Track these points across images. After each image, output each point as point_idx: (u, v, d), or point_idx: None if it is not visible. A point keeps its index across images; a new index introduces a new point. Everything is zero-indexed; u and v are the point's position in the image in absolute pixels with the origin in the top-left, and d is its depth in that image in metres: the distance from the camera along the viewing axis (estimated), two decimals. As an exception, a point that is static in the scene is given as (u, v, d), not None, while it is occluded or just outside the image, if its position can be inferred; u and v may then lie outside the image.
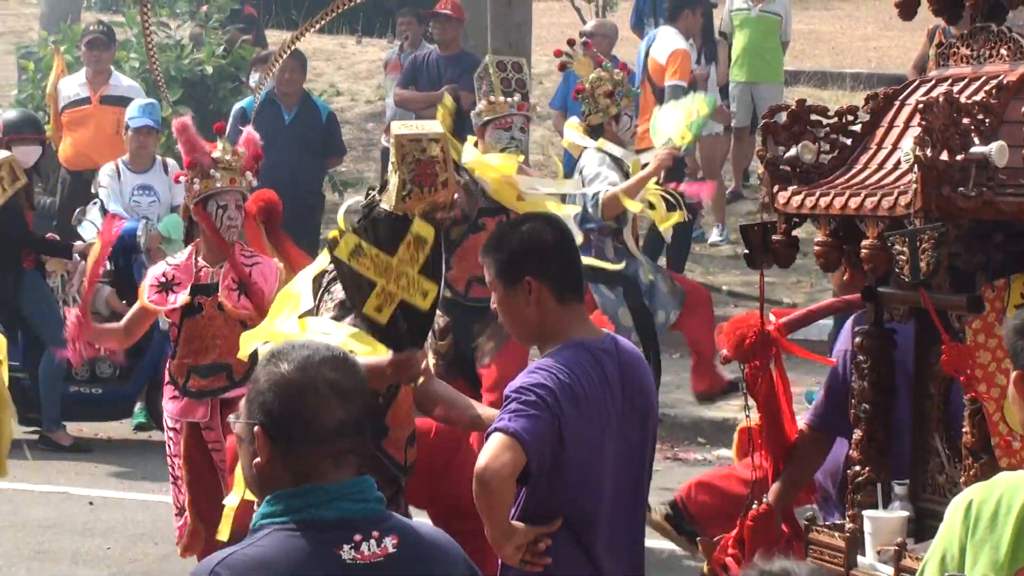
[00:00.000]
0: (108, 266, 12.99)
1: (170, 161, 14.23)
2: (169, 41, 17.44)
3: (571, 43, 11.17)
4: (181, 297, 8.70)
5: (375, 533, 4.13)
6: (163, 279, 8.83)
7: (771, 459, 6.49)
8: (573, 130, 10.97)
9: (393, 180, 6.93)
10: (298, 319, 7.10)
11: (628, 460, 5.72)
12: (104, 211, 13.48)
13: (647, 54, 15.97)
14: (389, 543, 4.11)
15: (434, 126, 7.36)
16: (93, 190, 14.10)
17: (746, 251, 6.38)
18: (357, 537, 4.11)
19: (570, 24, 17.88)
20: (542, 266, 5.64)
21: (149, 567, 9.26)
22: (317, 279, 7.27)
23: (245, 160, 8.88)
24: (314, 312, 7.14)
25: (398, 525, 4.21)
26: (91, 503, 11.54)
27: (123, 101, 14.79)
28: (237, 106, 15.07)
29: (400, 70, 16.75)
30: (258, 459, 4.14)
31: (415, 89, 16.31)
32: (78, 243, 13.09)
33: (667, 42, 15.86)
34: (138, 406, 13.28)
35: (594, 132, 10.66)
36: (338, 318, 7.03)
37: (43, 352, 12.77)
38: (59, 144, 15.22)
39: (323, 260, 7.23)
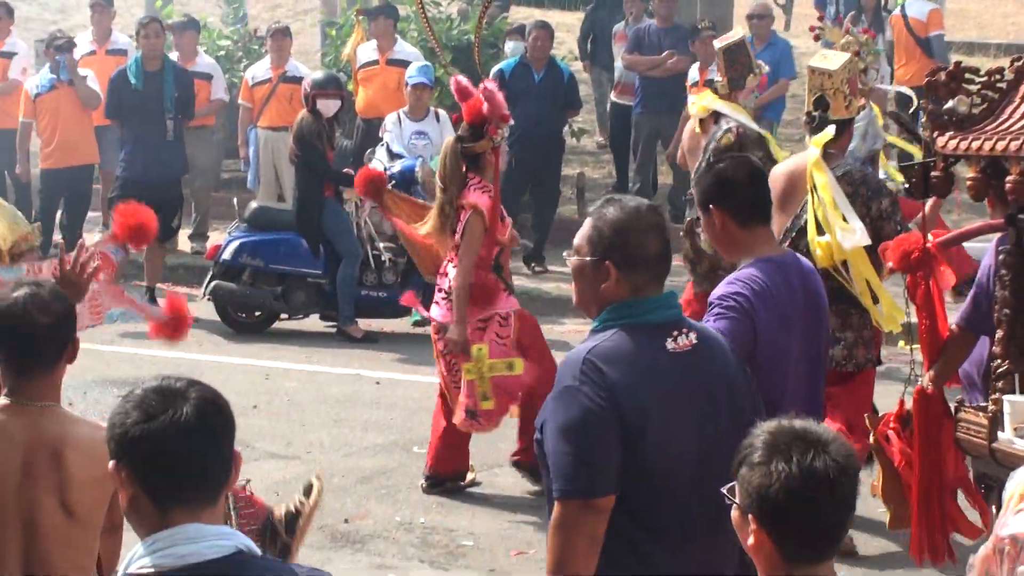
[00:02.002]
0: (391, 195, 13.19)
1: (441, 112, 14.34)
2: (440, 15, 17.50)
3: (821, 19, 11.18)
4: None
5: (684, 330, 4.59)
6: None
7: (927, 351, 6.47)
8: None
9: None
10: None
11: (808, 356, 5.67)
12: (389, 152, 13.65)
13: (905, 15, 16.25)
14: (693, 337, 4.57)
15: (835, 63, 8.15)
16: (380, 135, 14.22)
17: (905, 185, 6.41)
18: (675, 333, 4.55)
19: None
20: (722, 197, 5.59)
21: (424, 434, 9.36)
22: None
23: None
24: None
25: (693, 326, 4.67)
26: (378, 383, 11.69)
27: (404, 63, 14.91)
28: (496, 68, 15.10)
29: (626, 40, 16.67)
30: (606, 283, 4.53)
31: (639, 55, 16.24)
32: (368, 176, 13.25)
33: (921, 4, 16.34)
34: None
35: None
36: None
37: (340, 263, 12.94)
38: (356, 97, 15.40)
39: None
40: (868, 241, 7.65)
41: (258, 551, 3.26)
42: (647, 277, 4.55)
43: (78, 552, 4.57)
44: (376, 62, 15.42)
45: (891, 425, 6.45)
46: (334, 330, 13.26)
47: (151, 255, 14.04)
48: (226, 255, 13.14)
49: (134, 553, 3.20)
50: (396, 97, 14.74)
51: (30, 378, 4.55)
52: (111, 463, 3.24)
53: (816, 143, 7.92)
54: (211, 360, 12.20)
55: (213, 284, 13.20)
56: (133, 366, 11.93)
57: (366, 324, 13.23)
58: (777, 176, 7.98)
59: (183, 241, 15.78)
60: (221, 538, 3.19)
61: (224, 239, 13.45)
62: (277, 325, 13.41)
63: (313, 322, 13.48)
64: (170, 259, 14.91)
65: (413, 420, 10.48)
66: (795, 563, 3.28)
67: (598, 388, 4.38)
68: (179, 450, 3.20)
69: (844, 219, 7.70)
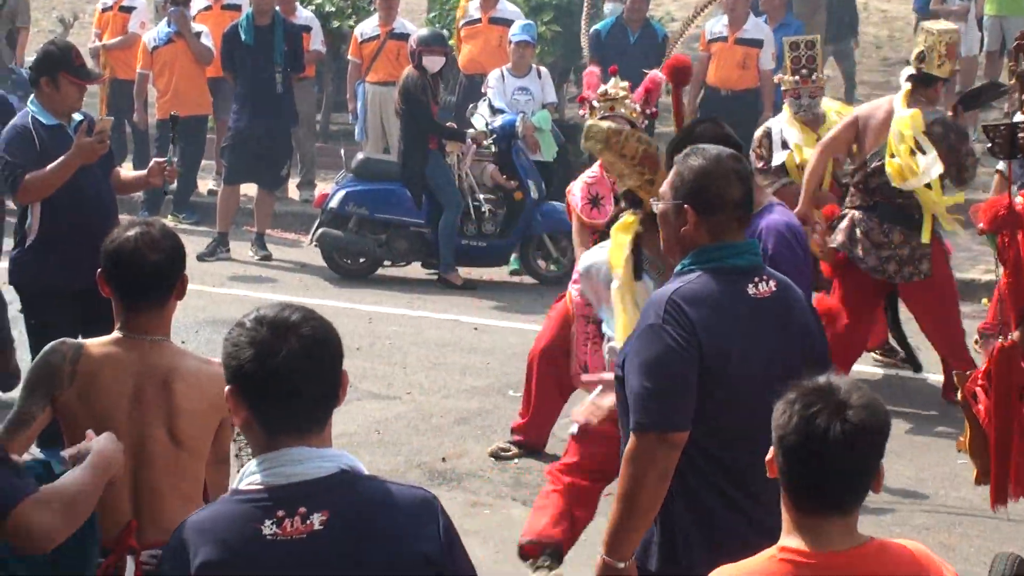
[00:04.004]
0: (493, 148, 13.17)
1: (542, 69, 14.31)
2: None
3: None
4: (607, 209, 8.60)
5: (765, 277, 4.58)
6: (590, 195, 8.54)
7: (1015, 309, 6.39)
8: None
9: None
10: None
11: None
12: (491, 107, 13.64)
13: None
14: (773, 284, 4.57)
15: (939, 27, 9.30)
16: (483, 90, 14.21)
17: (989, 145, 6.38)
18: (756, 279, 4.55)
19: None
20: None
21: (520, 378, 9.37)
22: None
23: (638, 94, 8.63)
24: None
25: (774, 274, 4.64)
26: (475, 328, 11.71)
27: (506, 22, 14.89)
28: (594, 28, 15.02)
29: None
30: (686, 227, 4.53)
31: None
32: (470, 130, 13.23)
33: None
34: (513, 256, 13.37)
35: None
36: None
37: (441, 213, 12.96)
38: (459, 54, 15.38)
39: None
40: (941, 170, 8.89)
41: (364, 470, 3.33)
42: (726, 222, 4.54)
43: (184, 480, 4.62)
44: (479, 20, 15.38)
45: (979, 382, 6.38)
46: (435, 277, 13.30)
47: (261, 202, 14.13)
48: (333, 203, 13.20)
49: (246, 470, 3.32)
50: (498, 54, 14.73)
51: (142, 313, 4.59)
52: (226, 388, 3.32)
53: (906, 92, 9.09)
54: (317, 303, 12.15)
55: (320, 231, 13.27)
56: (242, 307, 11.96)
57: (465, 272, 13.25)
58: (860, 115, 9.34)
59: (292, 189, 15.85)
60: (324, 459, 3.28)
61: (331, 188, 13.50)
62: (380, 272, 13.46)
63: (415, 269, 13.52)
64: (279, 206, 15.00)
65: (509, 365, 10.48)
66: (801, 511, 3.29)
67: (680, 327, 4.38)
68: (289, 381, 3.27)
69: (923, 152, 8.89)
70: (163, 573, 3.32)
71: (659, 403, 4.37)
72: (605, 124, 7.24)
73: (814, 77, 10.02)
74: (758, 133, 10.37)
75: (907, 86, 9.12)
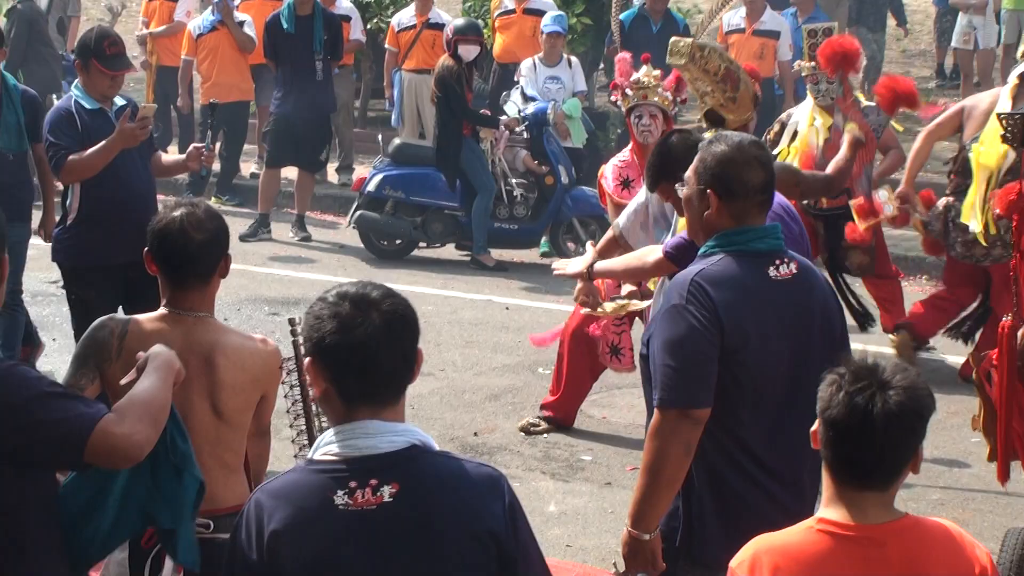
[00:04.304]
0: (525, 134, 13.16)
1: (573, 59, 14.28)
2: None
3: None
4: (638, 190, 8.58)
5: (786, 259, 4.59)
6: (621, 177, 8.46)
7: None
8: None
9: None
10: None
11: None
12: (523, 95, 13.62)
13: None
14: (793, 267, 4.57)
15: None
16: (516, 79, 14.19)
17: (1002, 133, 6.36)
18: (777, 261, 4.55)
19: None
20: None
21: (551, 355, 9.37)
22: None
23: (668, 82, 8.55)
24: None
25: (795, 257, 4.64)
26: (507, 308, 11.72)
27: (539, 13, 14.83)
28: (618, 19, 14.99)
29: None
30: (708, 211, 4.55)
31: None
32: (503, 117, 13.22)
33: None
34: (543, 239, 13.37)
35: None
36: None
37: (475, 196, 12.94)
38: (493, 44, 15.36)
39: None
40: None
41: (435, 446, 3.35)
42: (747, 206, 4.55)
43: (226, 451, 4.66)
44: (513, 11, 15.35)
45: (994, 363, 6.36)
46: (468, 259, 13.30)
47: (302, 185, 14.15)
48: (371, 187, 13.21)
49: (322, 439, 3.34)
50: (531, 44, 14.70)
51: (186, 290, 4.63)
52: (307, 360, 3.35)
53: (1013, 86, 8.94)
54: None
55: (358, 214, 13.29)
56: (282, 286, 12.07)
57: (498, 254, 13.26)
58: (966, 104, 9.42)
59: (331, 173, 15.87)
60: (397, 434, 3.30)
61: (369, 172, 13.50)
62: (416, 253, 13.47)
63: (449, 251, 13.53)
64: (319, 189, 15.00)
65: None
66: (840, 484, 3.32)
67: (703, 308, 4.40)
68: (367, 356, 3.29)
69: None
70: (238, 536, 3.32)
71: (682, 380, 4.38)
72: (689, 39, 7.21)
73: None
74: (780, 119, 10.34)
75: (1015, 81, 8.96)
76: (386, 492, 3.24)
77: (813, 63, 9.77)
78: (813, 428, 3.34)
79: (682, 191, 4.69)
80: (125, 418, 3.66)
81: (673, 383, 4.38)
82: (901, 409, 3.21)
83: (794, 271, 4.57)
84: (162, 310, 4.69)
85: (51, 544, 3.93)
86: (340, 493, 3.24)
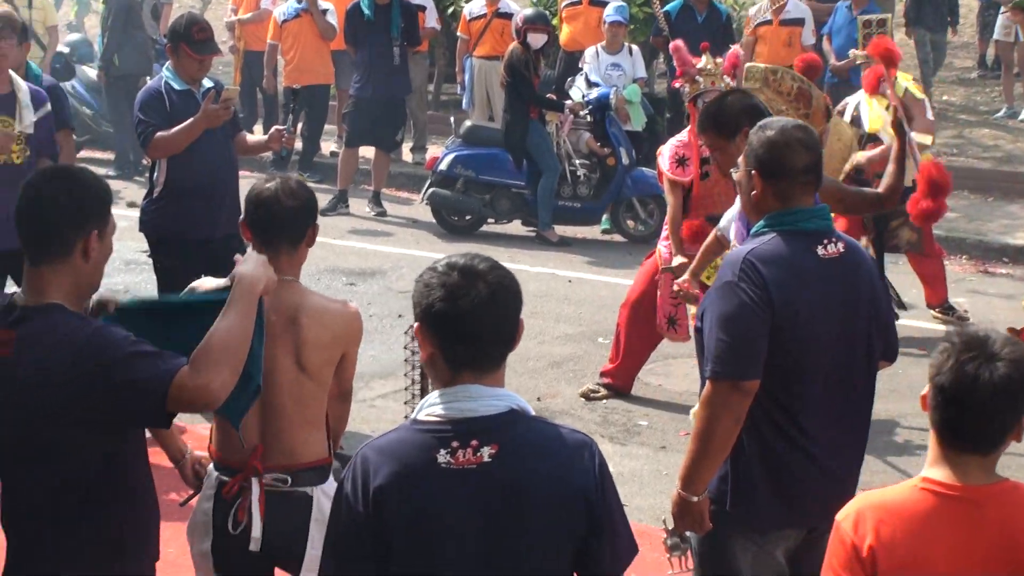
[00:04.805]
0: (588, 118, 13.14)
1: (634, 47, 14.22)
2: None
3: None
4: (691, 169, 8.41)
5: (834, 239, 4.54)
6: (677, 156, 8.35)
7: None
8: None
9: None
10: None
11: None
12: (587, 80, 13.59)
13: None
14: (841, 246, 4.53)
15: None
16: (580, 66, 14.17)
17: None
18: (825, 241, 4.51)
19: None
20: None
21: (611, 326, 9.36)
22: None
23: (725, 68, 8.58)
24: None
25: (842, 237, 4.60)
26: (570, 281, 11.68)
27: (604, 4, 14.73)
28: (664, 9, 14.89)
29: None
30: (755, 192, 4.55)
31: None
32: (568, 102, 13.20)
33: None
34: (604, 216, 13.31)
35: None
36: None
37: (540, 176, 12.92)
38: (560, 32, 15.31)
39: None
40: None
41: (532, 411, 3.37)
42: (792, 187, 4.52)
43: (308, 406, 4.67)
44: (580, 2, 15.29)
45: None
46: (533, 234, 13.28)
47: (378, 163, 14.18)
48: (443, 166, 13.23)
49: (426, 401, 3.36)
50: (595, 33, 14.65)
51: (277, 254, 4.61)
52: (415, 325, 3.36)
53: None
54: (426, 256, 12.27)
55: (430, 191, 13.30)
56: (359, 258, 12.10)
57: (561, 230, 13.23)
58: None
59: (405, 153, 15.88)
60: (498, 398, 3.32)
61: (441, 152, 13.53)
62: (484, 228, 13.47)
63: (515, 227, 13.52)
64: (394, 168, 15.02)
65: (599, 314, 10.47)
66: (945, 446, 3.30)
67: (754, 285, 4.38)
68: (473, 324, 3.30)
69: None
70: (344, 489, 3.34)
71: (733, 354, 4.36)
72: (762, 65, 7.26)
73: None
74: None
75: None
76: (486, 453, 3.26)
77: (867, 52, 9.65)
78: (923, 392, 3.33)
79: (735, 174, 4.68)
80: (200, 368, 3.68)
81: (725, 356, 4.37)
82: (1007, 380, 3.21)
83: (841, 250, 4.54)
84: None
85: (142, 495, 3.97)
86: (443, 452, 3.25)
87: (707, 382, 4.42)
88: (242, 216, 4.80)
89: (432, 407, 3.32)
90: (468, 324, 3.28)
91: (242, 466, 4.60)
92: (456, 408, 3.29)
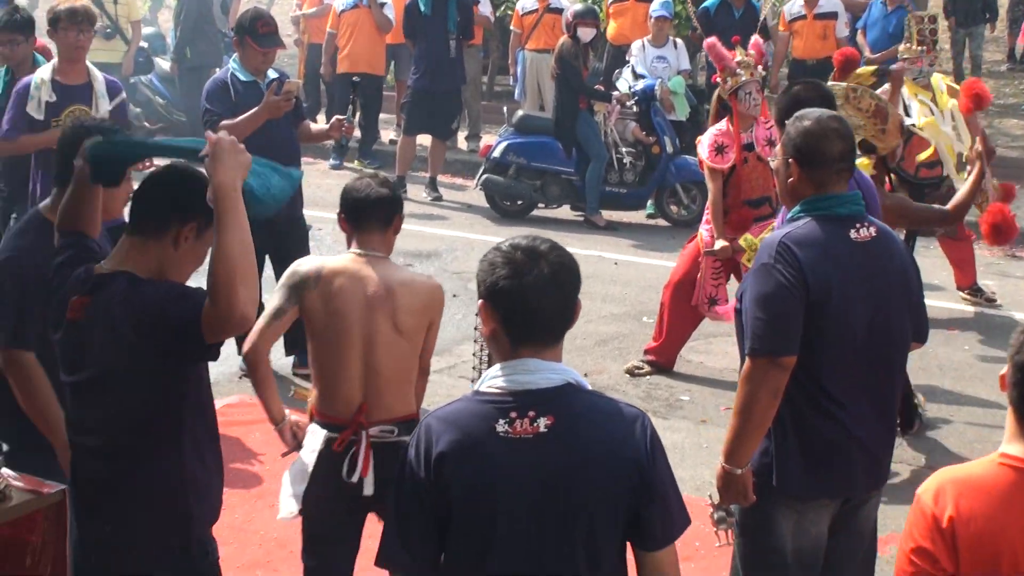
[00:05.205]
0: (635, 108, 13.11)
1: (678, 40, 14.17)
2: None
3: None
4: (731, 156, 8.37)
5: (866, 223, 4.55)
6: (716, 145, 8.42)
7: None
8: None
9: None
10: None
11: None
12: (634, 72, 13.56)
13: None
14: (873, 230, 4.53)
15: None
16: (627, 58, 14.14)
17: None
18: (857, 225, 4.52)
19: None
20: None
21: (653, 307, 9.35)
22: None
23: (754, 58, 8.50)
24: None
25: (875, 222, 4.60)
26: (615, 263, 11.66)
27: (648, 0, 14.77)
28: (703, 6, 14.84)
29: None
30: (792, 179, 4.56)
31: None
32: (615, 92, 13.17)
33: None
34: (649, 202, 13.31)
35: None
36: None
37: (589, 163, 12.90)
38: (607, 27, 15.25)
39: None
40: None
41: (587, 385, 3.39)
42: (827, 174, 4.53)
43: (401, 363, 5.01)
44: (627, -1, 15.28)
45: None
46: (581, 219, 13.27)
47: (434, 150, 14.20)
48: (496, 153, 13.24)
49: (487, 374, 3.39)
50: (640, 28, 14.61)
51: (369, 234, 5.09)
52: (479, 302, 3.40)
53: None
54: (481, 239, 12.31)
55: (484, 177, 13.32)
56: (417, 240, 12.12)
57: (608, 215, 13.22)
58: None
59: (460, 141, 15.90)
60: (554, 372, 3.34)
61: (495, 140, 13.54)
62: (535, 213, 13.48)
63: (564, 211, 13.53)
64: (449, 155, 15.04)
65: (644, 295, 10.45)
66: (1022, 424, 3.22)
67: (790, 266, 4.38)
68: (535, 301, 3.32)
69: None
70: (408, 455, 3.36)
71: (770, 331, 4.37)
72: (843, 84, 7.31)
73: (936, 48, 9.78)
74: None
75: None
76: (542, 423, 3.27)
77: (921, 47, 9.54)
78: (1002, 372, 3.27)
79: (773, 162, 4.69)
80: (216, 299, 3.65)
81: (763, 333, 4.37)
82: None
83: (873, 234, 4.53)
84: (350, 253, 5.10)
85: (204, 453, 4.04)
86: (501, 422, 3.28)
87: (746, 359, 4.43)
88: (339, 209, 5.16)
89: (493, 379, 3.34)
90: (530, 301, 3.31)
91: (347, 422, 4.91)
92: (515, 380, 3.31)
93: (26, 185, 7.72)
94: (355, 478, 4.87)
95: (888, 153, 7.32)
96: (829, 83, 7.20)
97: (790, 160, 4.56)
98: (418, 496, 3.32)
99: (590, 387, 3.40)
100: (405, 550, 3.35)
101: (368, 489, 4.87)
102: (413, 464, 3.34)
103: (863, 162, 7.05)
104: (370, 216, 5.07)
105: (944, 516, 3.18)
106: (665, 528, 3.37)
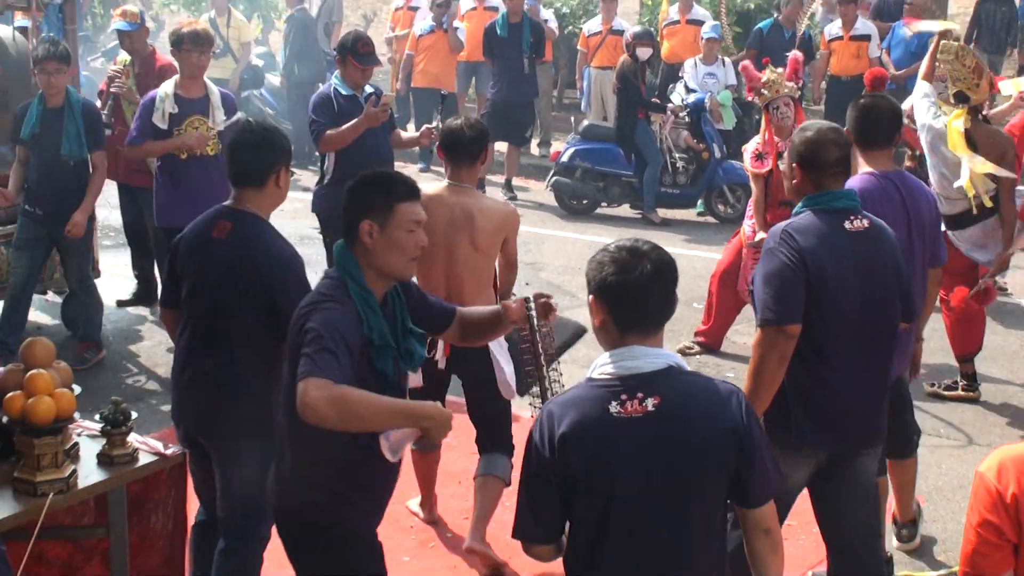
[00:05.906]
0: (686, 118, 13.21)
1: (727, 59, 14.22)
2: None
3: None
4: (768, 163, 8.27)
5: (860, 216, 4.64)
6: (757, 152, 8.37)
7: None
8: None
9: None
10: None
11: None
12: (686, 88, 13.64)
13: None
14: (866, 222, 4.60)
15: None
16: (680, 75, 14.22)
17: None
18: (851, 217, 4.62)
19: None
20: None
21: (702, 294, 9.42)
22: None
23: (787, 74, 8.39)
24: None
25: (867, 215, 4.64)
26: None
27: (699, 22, 14.83)
28: (756, 27, 14.86)
29: (869, 8, 16.14)
30: (796, 180, 4.68)
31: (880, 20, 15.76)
32: (670, 105, 13.24)
33: None
34: (699, 201, 13.39)
35: None
36: None
37: (646, 167, 12.97)
38: (662, 47, 15.36)
39: None
40: None
41: (687, 367, 3.40)
42: (824, 176, 4.66)
43: (478, 275, 5.71)
44: (678, 21, 15.38)
45: None
46: (639, 216, 13.36)
47: (510, 155, 14.32)
48: (564, 158, 13.38)
49: (597, 362, 3.41)
50: (691, 48, 14.70)
51: (460, 168, 5.78)
52: (589, 297, 3.44)
53: None
54: (551, 234, 12.48)
55: (554, 179, 13.48)
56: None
57: (663, 212, 13.29)
58: None
59: (533, 147, 16.02)
60: (658, 357, 3.37)
61: (563, 147, 13.62)
62: (598, 211, 13.56)
63: (624, 210, 13.63)
64: (523, 159, 15.09)
65: (694, 283, 10.43)
66: None
67: (791, 250, 4.51)
68: (640, 295, 3.36)
69: None
70: (533, 437, 3.37)
71: (776, 303, 4.46)
72: (955, 42, 7.42)
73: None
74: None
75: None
76: (650, 403, 3.28)
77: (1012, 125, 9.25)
78: None
79: (783, 166, 4.86)
80: (326, 399, 3.54)
81: (770, 305, 4.46)
82: None
83: (866, 225, 4.63)
84: (445, 182, 5.77)
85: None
86: (613, 403, 3.29)
87: (757, 328, 4.54)
88: (437, 143, 5.90)
89: (604, 366, 3.37)
90: (635, 294, 3.34)
91: None
92: (623, 366, 3.33)
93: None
94: (437, 355, 5.56)
95: (979, 103, 7.38)
96: (943, 42, 7.27)
97: (794, 164, 4.72)
98: (544, 474, 3.32)
99: (689, 369, 3.41)
100: (536, 524, 3.38)
101: (441, 363, 5.61)
102: (538, 446, 3.34)
103: (957, 113, 7.08)
104: (463, 152, 5.69)
105: (1008, 492, 3.17)
106: (763, 487, 3.40)
